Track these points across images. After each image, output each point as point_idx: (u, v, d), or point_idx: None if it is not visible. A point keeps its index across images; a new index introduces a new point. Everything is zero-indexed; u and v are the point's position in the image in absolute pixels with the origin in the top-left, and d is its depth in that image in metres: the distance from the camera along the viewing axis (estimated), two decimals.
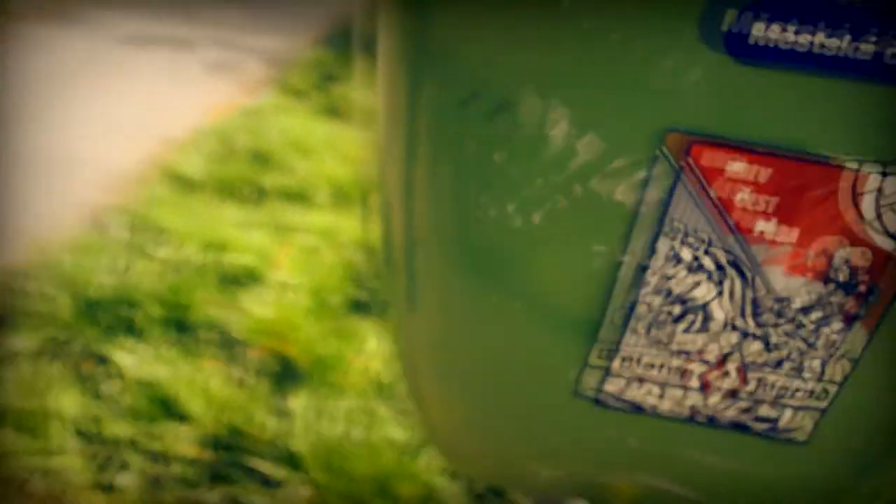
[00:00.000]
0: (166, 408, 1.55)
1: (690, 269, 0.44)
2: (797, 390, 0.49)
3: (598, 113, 0.40)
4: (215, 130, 2.36)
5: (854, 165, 0.39)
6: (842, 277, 0.44)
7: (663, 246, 0.44)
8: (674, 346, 0.48)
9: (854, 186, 0.40)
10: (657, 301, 0.47)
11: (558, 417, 0.57)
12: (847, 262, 0.43)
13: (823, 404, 0.50)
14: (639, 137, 0.41)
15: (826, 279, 0.44)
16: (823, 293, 0.44)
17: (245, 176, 2.11)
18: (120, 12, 3.12)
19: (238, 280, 1.74)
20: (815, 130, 0.39)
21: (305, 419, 1.47)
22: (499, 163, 0.43)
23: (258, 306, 1.65)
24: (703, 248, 0.43)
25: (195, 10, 3.10)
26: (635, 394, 0.52)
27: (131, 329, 1.63)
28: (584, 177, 0.42)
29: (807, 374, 0.49)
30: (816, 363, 0.48)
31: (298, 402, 1.47)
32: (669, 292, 0.45)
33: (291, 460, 1.46)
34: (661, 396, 0.51)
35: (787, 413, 0.51)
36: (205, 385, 1.57)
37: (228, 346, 1.62)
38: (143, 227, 1.91)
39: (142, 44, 2.95)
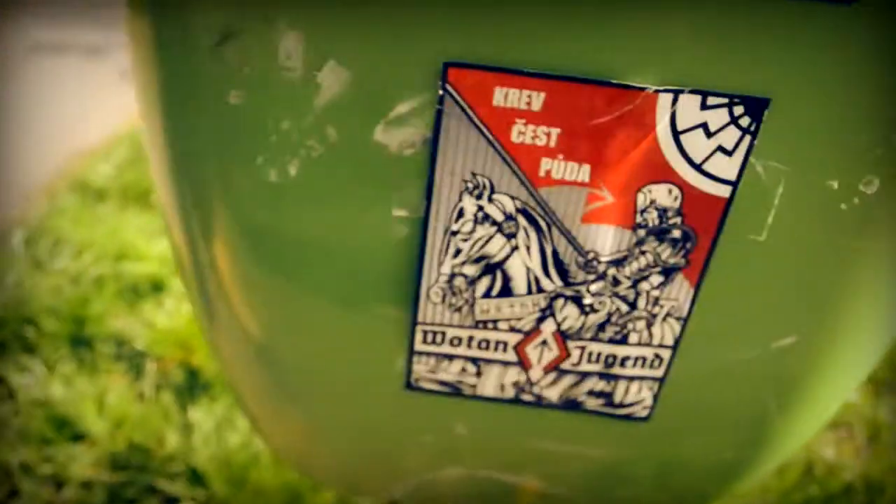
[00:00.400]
0: (63, 428, 1.46)
1: (477, 221, 0.37)
2: (626, 358, 0.43)
3: (335, 37, 0.33)
4: (128, 138, 2.26)
5: (639, 86, 0.33)
6: (650, 222, 0.37)
7: (443, 196, 0.37)
8: (477, 315, 0.42)
9: (644, 111, 0.34)
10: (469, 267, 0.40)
11: (393, 414, 0.50)
12: (653, 203, 0.37)
13: (659, 373, 0.44)
14: (385, 64, 0.34)
15: (634, 225, 0.37)
16: (633, 242, 0.38)
17: (152, 183, 2.01)
18: (29, 20, 2.99)
19: (140, 290, 1.65)
20: (590, 49, 0.33)
21: (208, 432, 1.38)
22: (237, 106, 0.36)
23: (161, 316, 1.56)
24: (486, 194, 0.37)
25: (107, 16, 2.99)
26: (448, 374, 0.45)
27: (26, 346, 1.54)
28: (336, 117, 0.35)
29: (633, 339, 0.42)
30: (641, 325, 0.41)
31: (201, 413, 1.38)
32: (458, 251, 0.39)
33: (194, 475, 1.38)
34: (479, 375, 0.45)
35: (621, 386, 0.45)
36: (104, 401, 1.48)
37: (130, 358, 1.53)
38: (43, 240, 1.80)
39: (53, 52, 2.83)
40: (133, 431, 1.45)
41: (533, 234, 0.38)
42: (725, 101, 0.33)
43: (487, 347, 0.43)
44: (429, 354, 0.44)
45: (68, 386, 1.50)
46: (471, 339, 0.43)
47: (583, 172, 0.36)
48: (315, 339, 0.47)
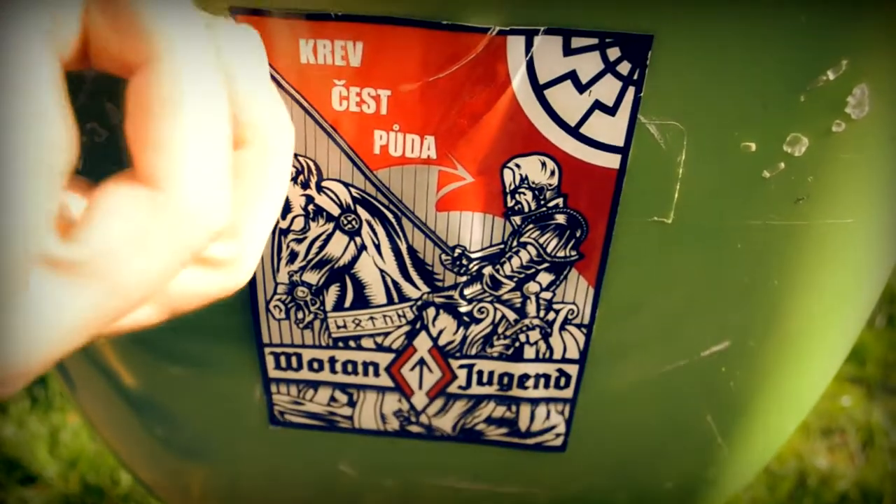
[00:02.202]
0: (14, 471, 1.38)
1: (308, 216, 0.29)
2: (525, 377, 0.35)
3: None
4: None
5: (478, 27, 0.25)
6: (525, 205, 0.29)
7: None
8: (333, 332, 0.33)
9: (493, 61, 0.26)
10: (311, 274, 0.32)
11: (263, 454, 0.42)
12: (525, 180, 0.29)
13: (568, 393, 0.36)
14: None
15: (505, 211, 0.29)
16: (508, 232, 0.30)
17: None
18: None
19: None
20: None
21: None
22: None
23: None
24: (314, 181, 0.29)
25: None
26: (316, 405, 0.37)
27: None
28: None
29: (529, 354, 0.34)
30: (536, 336, 0.33)
31: None
32: (294, 254, 0.31)
33: None
34: (353, 404, 0.37)
35: (525, 410, 0.36)
36: (58, 441, 1.40)
37: None
38: None
39: None
40: (87, 471, 1.37)
41: (380, 229, 0.30)
42: (594, 41, 0.26)
43: (355, 371, 0.35)
44: (287, 382, 0.36)
45: (20, 426, 1.43)
46: (333, 361, 0.35)
47: (427, 146, 0.28)
48: (166, 368, 0.39)
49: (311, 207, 0.30)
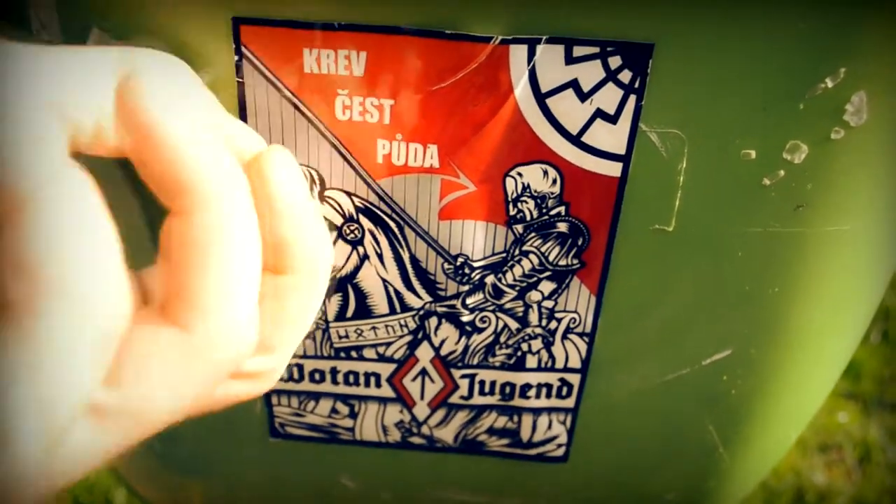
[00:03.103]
0: None
1: None
2: (527, 387, 0.35)
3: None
4: None
5: (480, 36, 0.25)
6: (528, 214, 0.29)
7: None
8: (335, 342, 0.33)
9: (495, 70, 0.26)
10: None
11: (263, 467, 0.41)
12: (527, 189, 0.29)
13: (570, 403, 0.36)
14: (167, 22, 0.26)
15: (507, 220, 0.30)
16: (510, 241, 0.30)
17: None
18: None
19: None
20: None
21: None
22: None
23: None
24: (317, 191, 0.29)
25: None
26: (317, 416, 0.37)
27: None
28: None
29: (531, 363, 0.34)
30: (538, 345, 0.33)
31: None
32: None
33: None
34: (354, 416, 0.36)
35: (527, 421, 0.36)
36: None
37: None
38: None
39: None
40: (80, 491, 1.36)
41: (383, 239, 0.30)
42: (596, 49, 0.26)
43: (357, 382, 0.35)
44: (288, 393, 0.36)
45: None
46: (334, 371, 0.35)
47: (430, 155, 0.28)
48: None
49: None
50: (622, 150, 0.28)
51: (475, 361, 0.34)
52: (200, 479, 0.44)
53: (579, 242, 0.31)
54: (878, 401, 1.32)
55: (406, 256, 0.31)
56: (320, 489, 0.42)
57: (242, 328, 0.20)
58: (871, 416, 1.29)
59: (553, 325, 0.33)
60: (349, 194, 0.29)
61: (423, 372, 0.35)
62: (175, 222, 0.20)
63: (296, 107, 0.27)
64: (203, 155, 0.19)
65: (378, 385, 0.35)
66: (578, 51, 0.26)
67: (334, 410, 0.37)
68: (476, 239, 0.30)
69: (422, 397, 0.36)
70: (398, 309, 0.32)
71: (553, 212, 0.30)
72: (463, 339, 0.33)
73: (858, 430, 1.27)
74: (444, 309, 0.33)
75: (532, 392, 0.35)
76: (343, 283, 0.32)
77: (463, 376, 0.35)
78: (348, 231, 0.30)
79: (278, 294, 0.22)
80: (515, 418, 0.37)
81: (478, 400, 0.36)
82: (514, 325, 0.33)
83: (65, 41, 0.27)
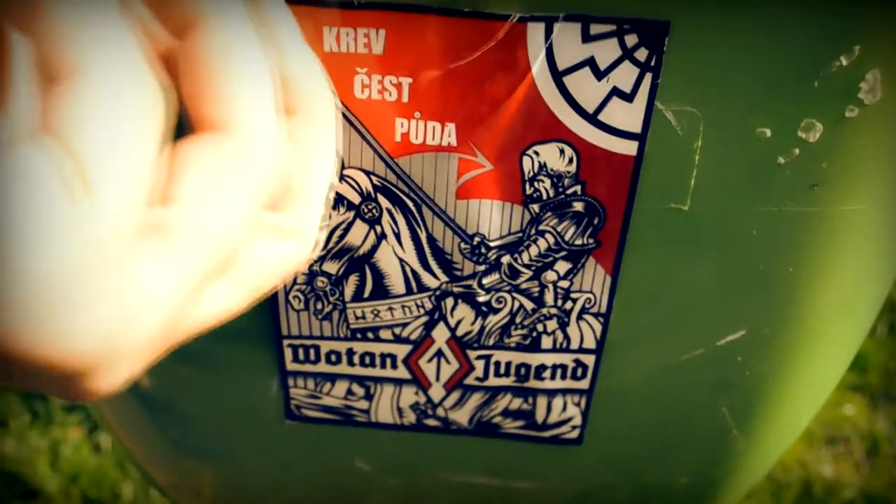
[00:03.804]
0: (14, 485, 1.37)
1: (329, 206, 0.30)
2: (542, 368, 0.35)
3: None
4: None
5: (499, 14, 0.26)
6: (544, 193, 0.30)
7: None
8: (352, 323, 0.34)
9: (513, 48, 0.26)
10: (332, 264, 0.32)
11: (279, 450, 0.42)
12: (544, 168, 0.29)
13: (584, 384, 0.36)
14: None
15: (524, 199, 0.30)
16: (526, 220, 0.30)
17: None
18: None
19: None
20: None
21: None
22: None
23: None
24: (336, 170, 0.29)
25: None
26: (332, 398, 0.37)
27: None
28: None
29: (546, 344, 0.34)
30: (554, 326, 0.34)
31: None
32: (317, 241, 0.31)
33: None
34: (370, 397, 0.37)
35: (542, 402, 0.37)
36: (59, 455, 1.40)
37: (85, 409, 1.45)
38: None
39: None
40: (88, 485, 1.37)
41: (400, 218, 0.30)
42: (612, 27, 0.26)
43: (373, 363, 0.35)
44: (304, 375, 0.36)
45: (21, 440, 1.42)
46: (351, 353, 0.35)
47: (448, 134, 0.28)
48: (182, 366, 0.39)
49: (331, 196, 0.30)
50: (638, 129, 0.28)
51: (491, 342, 0.35)
52: (214, 463, 0.44)
53: (595, 222, 0.31)
54: (884, 393, 1.32)
55: (423, 236, 0.31)
56: (335, 472, 0.42)
57: (272, 128, 0.21)
58: (877, 408, 1.29)
59: (568, 305, 0.33)
60: (368, 173, 0.29)
61: (439, 353, 0.35)
62: (191, 40, 0.20)
63: None
64: None
65: (394, 366, 0.36)
66: (595, 28, 0.26)
67: (350, 392, 0.37)
68: (493, 218, 0.31)
69: (437, 379, 0.36)
70: (415, 289, 0.33)
71: (569, 191, 0.30)
72: (479, 319, 0.34)
73: (865, 423, 1.27)
74: (460, 289, 0.33)
75: (547, 373, 0.36)
76: (360, 263, 0.32)
77: (478, 357, 0.35)
78: (366, 210, 0.30)
79: (293, 135, 0.23)
80: (530, 400, 0.37)
81: (493, 381, 0.36)
82: (529, 305, 0.33)
83: None
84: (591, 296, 0.33)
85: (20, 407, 1.47)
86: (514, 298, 0.33)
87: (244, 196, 0.20)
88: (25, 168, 0.16)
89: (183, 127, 0.21)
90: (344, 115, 0.28)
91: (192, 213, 0.19)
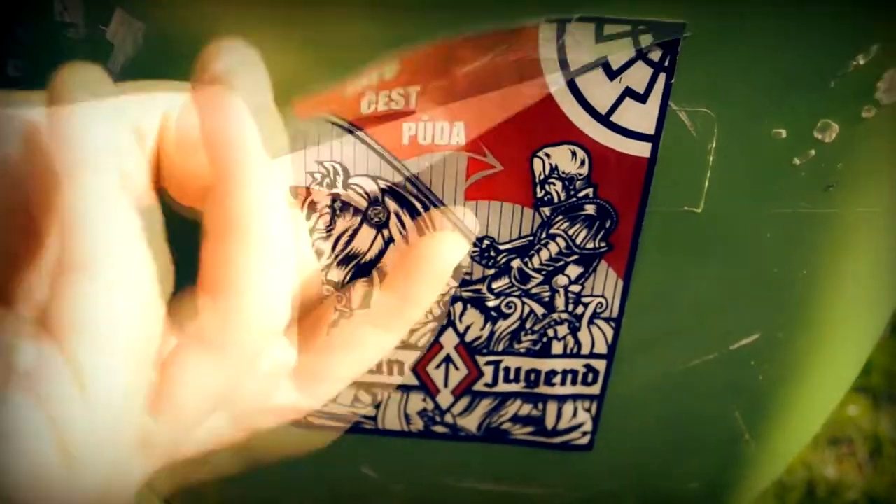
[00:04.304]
0: None
1: (335, 212, 0.29)
2: (552, 373, 0.35)
3: None
4: None
5: (510, 26, 0.25)
6: (555, 195, 0.29)
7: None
8: None
9: (524, 48, 0.26)
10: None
11: (283, 457, 0.41)
12: (555, 170, 0.28)
13: (595, 389, 0.35)
14: (185, 13, 0.26)
15: (535, 201, 0.29)
16: (537, 224, 0.30)
17: None
18: None
19: None
20: None
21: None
22: (17, 79, 0.28)
23: None
24: (340, 181, 0.28)
25: None
26: (339, 406, 0.36)
27: None
28: None
29: (557, 350, 0.34)
30: (565, 331, 0.33)
31: None
32: (320, 252, 0.30)
33: None
34: (376, 405, 0.36)
35: (552, 408, 0.36)
36: None
37: None
38: None
39: None
40: None
41: (408, 221, 0.30)
42: (627, 28, 0.25)
43: (380, 370, 0.35)
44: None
45: None
46: None
47: (457, 132, 0.28)
48: None
49: (337, 204, 0.29)
50: (651, 130, 0.28)
51: (500, 348, 0.34)
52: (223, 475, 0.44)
53: (607, 225, 0.30)
54: (888, 394, 1.32)
55: None
56: (340, 479, 0.41)
57: (273, 303, 0.21)
58: (881, 409, 1.29)
59: (580, 309, 0.33)
60: (374, 178, 0.29)
61: (448, 359, 0.34)
62: (215, 200, 0.20)
63: None
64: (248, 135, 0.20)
65: (401, 373, 0.35)
66: (609, 29, 0.26)
67: (357, 399, 0.36)
68: (502, 221, 0.30)
69: (445, 385, 0.35)
70: None
71: (581, 193, 0.29)
72: (488, 325, 0.33)
73: (869, 424, 1.26)
74: (469, 294, 0.32)
75: (557, 379, 0.35)
76: (367, 269, 0.31)
77: (488, 363, 0.35)
78: (373, 214, 0.30)
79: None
80: (540, 406, 0.36)
81: (502, 387, 0.36)
82: (540, 310, 0.33)
83: (87, 23, 0.27)
84: (602, 300, 0.32)
85: None
86: (524, 303, 0.32)
87: (236, 359, 0.21)
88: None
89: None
90: (349, 128, 0.28)
91: (178, 429, 0.21)
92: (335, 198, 0.29)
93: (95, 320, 0.18)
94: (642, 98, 0.27)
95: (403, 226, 0.30)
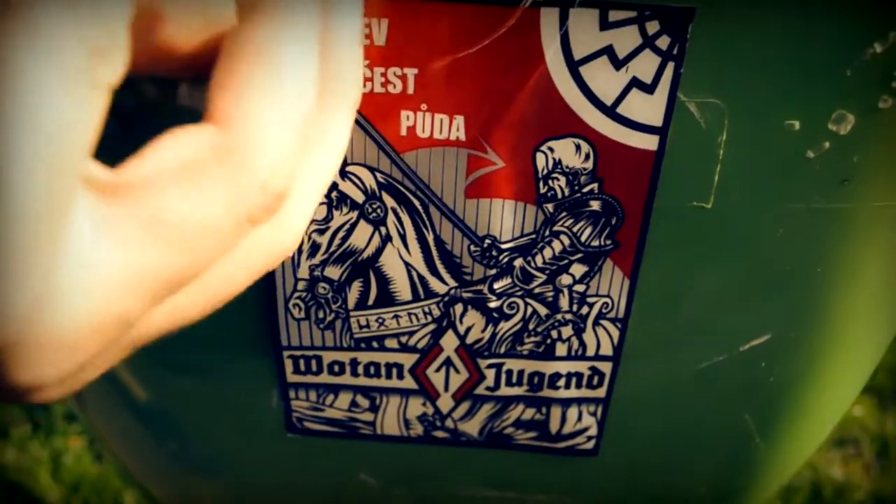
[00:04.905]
0: (16, 495, 1.36)
1: (332, 205, 0.28)
2: (556, 376, 0.33)
3: None
4: None
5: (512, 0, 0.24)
6: (559, 191, 0.28)
7: None
8: (355, 332, 0.32)
9: (525, 35, 0.24)
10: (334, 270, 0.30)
11: (280, 465, 0.40)
12: (558, 165, 0.27)
13: (601, 392, 0.34)
14: None
15: (537, 198, 0.28)
16: (540, 221, 0.29)
17: None
18: None
19: None
20: None
21: None
22: None
23: None
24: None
25: None
26: (336, 411, 0.35)
27: None
28: None
29: (561, 352, 0.33)
30: (569, 332, 0.32)
31: None
32: (316, 246, 0.29)
33: None
34: (375, 409, 0.35)
35: (556, 412, 0.35)
36: (60, 464, 1.39)
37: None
38: None
39: None
40: (89, 494, 1.36)
41: (406, 218, 0.29)
42: (633, 14, 0.24)
43: (378, 374, 0.34)
44: (306, 386, 0.34)
45: (22, 450, 1.41)
46: (354, 363, 0.33)
47: (456, 127, 0.26)
48: (179, 379, 0.37)
49: (334, 195, 0.28)
50: (659, 122, 0.27)
51: (502, 350, 0.33)
52: (214, 478, 0.42)
53: (613, 221, 0.29)
54: (893, 394, 1.30)
55: (430, 238, 0.29)
56: (339, 485, 0.40)
57: (281, 147, 0.18)
58: (887, 410, 1.28)
59: (584, 310, 0.31)
60: (372, 169, 0.28)
61: (448, 362, 0.33)
62: (239, 31, 0.18)
63: None
64: None
65: (400, 377, 0.34)
66: (614, 15, 0.24)
67: (354, 404, 0.35)
68: (504, 219, 0.29)
69: (446, 389, 0.34)
70: (422, 295, 0.31)
71: (586, 189, 0.28)
72: (490, 326, 0.32)
73: (875, 425, 1.25)
74: (469, 294, 0.31)
75: (561, 382, 0.34)
76: (364, 268, 0.30)
77: (489, 366, 0.33)
78: (370, 209, 0.29)
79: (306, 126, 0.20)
80: (544, 410, 0.35)
81: (504, 391, 0.34)
82: (543, 310, 0.31)
83: None
84: (608, 300, 0.31)
85: (21, 416, 1.46)
86: (526, 304, 0.31)
87: (217, 199, 0.17)
88: None
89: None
90: None
91: (147, 187, 0.16)
92: (333, 186, 0.28)
93: (13, 78, 0.14)
94: (650, 88, 0.26)
95: (401, 223, 0.29)
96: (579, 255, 0.30)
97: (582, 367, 0.33)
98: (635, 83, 0.26)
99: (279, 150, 0.18)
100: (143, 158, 0.17)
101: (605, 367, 0.34)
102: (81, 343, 0.16)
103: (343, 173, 0.28)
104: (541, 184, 0.28)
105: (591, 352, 0.33)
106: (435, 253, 0.30)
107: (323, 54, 0.20)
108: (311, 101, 0.19)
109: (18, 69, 0.14)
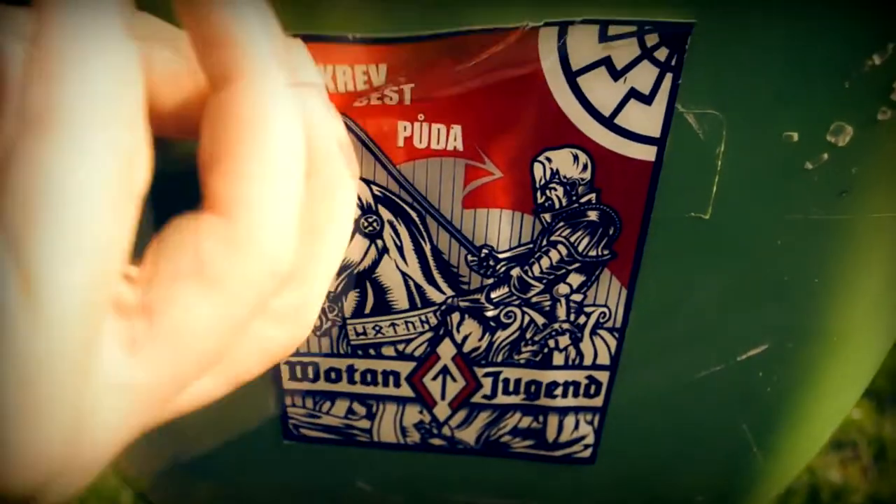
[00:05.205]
0: None
1: None
2: (553, 385, 0.33)
3: None
4: None
5: (507, 27, 0.24)
6: (556, 202, 0.28)
7: None
8: (352, 340, 0.32)
9: (522, 48, 0.24)
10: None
11: (276, 472, 0.40)
12: (556, 175, 0.27)
13: (598, 401, 0.34)
14: None
15: (535, 208, 0.28)
16: (538, 231, 0.29)
17: None
18: None
19: None
20: None
21: None
22: None
23: None
24: None
25: None
26: (333, 418, 0.35)
27: None
28: None
29: (558, 361, 0.33)
30: (566, 342, 0.32)
31: None
32: None
33: None
34: (371, 417, 0.35)
35: (553, 421, 0.35)
36: None
37: None
38: None
39: None
40: (87, 495, 1.35)
41: (403, 230, 0.29)
42: (632, 28, 0.24)
43: (375, 381, 0.34)
44: (303, 393, 0.34)
45: None
46: (351, 370, 0.33)
47: (454, 137, 0.26)
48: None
49: None
50: (657, 133, 0.26)
51: (499, 359, 0.33)
52: (211, 483, 0.42)
53: (610, 232, 0.29)
54: (892, 397, 1.30)
55: (427, 248, 0.29)
56: (335, 492, 0.40)
57: (284, 226, 0.18)
58: (885, 413, 1.27)
59: (582, 319, 0.31)
60: (368, 182, 0.27)
61: (445, 370, 0.33)
62: (223, 97, 0.18)
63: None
64: (257, 29, 0.18)
65: (397, 384, 0.34)
66: (613, 29, 0.24)
67: (351, 411, 0.35)
68: (502, 229, 0.29)
69: (442, 397, 0.34)
70: (419, 304, 0.31)
71: (583, 199, 0.28)
72: (487, 335, 0.32)
73: (873, 428, 1.25)
74: (466, 304, 0.31)
75: (559, 391, 0.34)
76: (361, 279, 0.30)
77: (486, 375, 0.33)
78: (366, 223, 0.28)
79: (305, 200, 0.20)
80: (541, 418, 0.35)
81: (501, 399, 0.34)
82: (540, 320, 0.31)
83: None
84: (605, 310, 0.31)
85: None
86: (524, 313, 0.31)
87: (232, 294, 0.17)
88: None
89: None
90: (342, 117, 0.26)
91: (166, 302, 0.17)
92: None
93: (55, 200, 0.14)
94: (647, 99, 0.26)
95: (398, 235, 0.29)
96: (577, 265, 0.30)
97: (579, 376, 0.33)
98: (633, 94, 0.26)
99: (282, 229, 0.18)
100: (157, 266, 0.17)
101: (603, 377, 0.34)
102: (110, 456, 0.17)
103: None
104: (538, 194, 0.28)
105: (588, 361, 0.33)
106: (432, 263, 0.30)
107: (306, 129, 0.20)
108: (303, 167, 0.19)
109: (64, 186, 0.14)
